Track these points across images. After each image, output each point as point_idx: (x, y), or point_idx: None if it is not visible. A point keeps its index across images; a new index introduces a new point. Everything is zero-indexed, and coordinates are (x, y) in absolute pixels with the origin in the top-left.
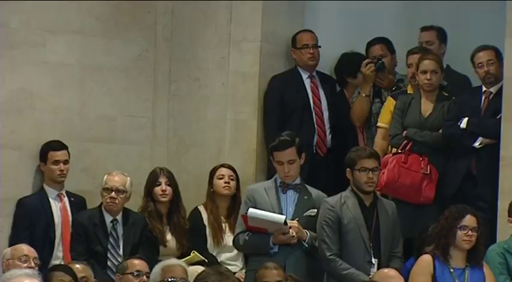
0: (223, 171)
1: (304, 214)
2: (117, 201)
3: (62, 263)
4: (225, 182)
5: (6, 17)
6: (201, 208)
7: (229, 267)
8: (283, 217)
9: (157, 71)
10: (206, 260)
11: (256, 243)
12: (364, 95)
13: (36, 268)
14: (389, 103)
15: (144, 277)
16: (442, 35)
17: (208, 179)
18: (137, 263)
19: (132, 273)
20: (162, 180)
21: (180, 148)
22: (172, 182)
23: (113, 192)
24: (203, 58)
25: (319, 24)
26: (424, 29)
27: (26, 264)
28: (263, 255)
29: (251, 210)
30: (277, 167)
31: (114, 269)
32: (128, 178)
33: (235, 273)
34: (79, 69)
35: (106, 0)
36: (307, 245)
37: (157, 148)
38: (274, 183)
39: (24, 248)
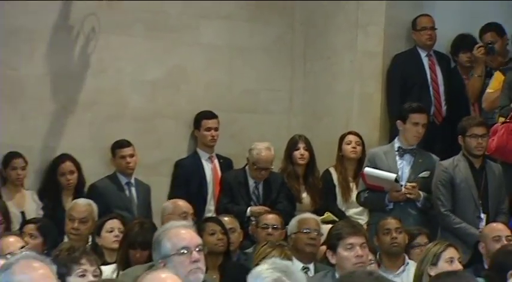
0: (351, 137)
1: (419, 176)
2: (263, 173)
3: (213, 215)
4: (352, 147)
5: (166, 4)
6: (332, 170)
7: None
8: (394, 175)
9: (294, 51)
10: (338, 220)
11: (374, 200)
12: (476, 75)
13: (192, 221)
14: (498, 76)
15: (270, 229)
16: None
17: (338, 144)
18: (268, 217)
19: (262, 226)
20: (301, 145)
21: (313, 118)
22: (308, 147)
23: (263, 171)
24: (334, 40)
25: (436, 8)
26: None
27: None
28: (383, 211)
29: (367, 168)
30: (410, 128)
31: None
32: (272, 153)
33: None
34: (227, 50)
35: None
36: (420, 205)
37: (293, 118)
38: (392, 148)
39: (183, 206)
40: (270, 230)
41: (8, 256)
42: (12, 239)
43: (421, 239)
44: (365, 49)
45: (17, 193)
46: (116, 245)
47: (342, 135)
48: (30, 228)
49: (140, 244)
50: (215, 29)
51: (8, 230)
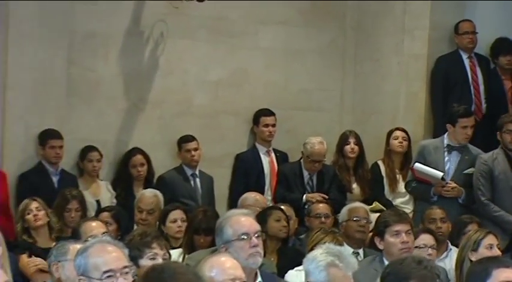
0: (398, 133)
1: (464, 172)
2: (316, 165)
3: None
4: (399, 142)
5: (228, 11)
6: (380, 163)
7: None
8: (441, 174)
9: (345, 54)
10: (385, 209)
11: (421, 191)
12: None
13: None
14: None
15: (323, 218)
16: None
17: (386, 139)
18: (319, 207)
19: (314, 215)
20: (351, 140)
21: (363, 115)
22: (358, 141)
23: (316, 164)
24: (382, 43)
25: (477, 13)
26: None
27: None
28: (428, 202)
29: (417, 164)
30: (460, 131)
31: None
32: (325, 147)
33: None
34: (284, 53)
35: None
36: (461, 201)
37: (344, 115)
38: (442, 144)
39: (261, 201)
40: (322, 219)
41: (89, 239)
42: (94, 223)
43: (472, 227)
44: (411, 52)
45: (92, 183)
46: (179, 235)
47: (389, 130)
48: (105, 215)
49: (204, 230)
50: (273, 34)
51: (84, 217)
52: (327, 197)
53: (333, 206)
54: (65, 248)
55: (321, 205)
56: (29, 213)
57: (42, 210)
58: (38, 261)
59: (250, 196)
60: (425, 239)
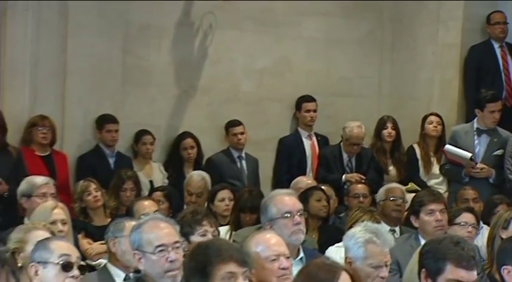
0: (432, 118)
1: (493, 154)
2: (355, 148)
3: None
4: (434, 126)
5: (272, 4)
6: (415, 146)
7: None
8: (469, 154)
9: (383, 43)
10: (420, 189)
11: (453, 173)
12: None
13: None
14: None
15: (361, 198)
16: None
17: (421, 124)
18: (358, 187)
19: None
20: (388, 125)
21: (399, 101)
22: (395, 126)
23: (355, 146)
24: (418, 33)
25: (509, 5)
26: None
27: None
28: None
29: (447, 146)
30: (488, 115)
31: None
32: (363, 130)
33: None
34: (325, 42)
35: None
36: (492, 181)
37: (382, 101)
38: (471, 128)
39: (310, 182)
40: (360, 198)
41: (142, 216)
42: (147, 202)
43: (502, 207)
44: (445, 41)
45: (146, 165)
46: (226, 213)
47: (424, 116)
48: (158, 195)
49: (250, 209)
50: (315, 25)
51: (138, 196)
52: (364, 177)
53: (370, 186)
54: (121, 224)
55: (359, 185)
56: (88, 195)
57: (99, 191)
58: (96, 248)
59: (302, 180)
60: (466, 217)
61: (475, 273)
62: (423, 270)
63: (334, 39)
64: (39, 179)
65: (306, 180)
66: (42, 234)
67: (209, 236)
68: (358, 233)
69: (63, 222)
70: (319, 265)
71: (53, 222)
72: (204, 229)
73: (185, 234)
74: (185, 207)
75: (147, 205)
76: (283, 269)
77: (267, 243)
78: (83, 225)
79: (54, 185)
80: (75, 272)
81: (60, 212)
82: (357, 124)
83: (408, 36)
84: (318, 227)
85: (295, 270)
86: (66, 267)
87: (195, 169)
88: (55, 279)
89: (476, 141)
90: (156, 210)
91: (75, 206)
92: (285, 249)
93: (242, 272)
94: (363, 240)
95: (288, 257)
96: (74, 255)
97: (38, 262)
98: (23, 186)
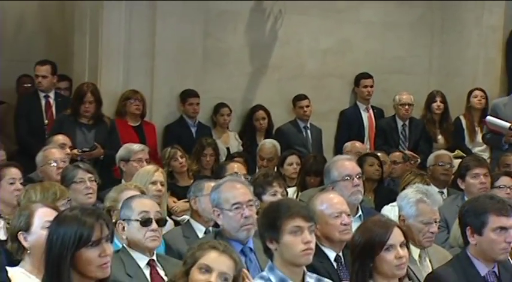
0: (477, 92)
1: None
2: (406, 108)
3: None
4: (478, 100)
5: None
6: (461, 117)
7: None
8: (508, 124)
9: (433, 26)
10: (466, 156)
11: (494, 141)
12: None
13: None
14: None
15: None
16: None
17: (467, 97)
18: (395, 155)
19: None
20: (438, 98)
21: (447, 77)
22: (443, 100)
23: (406, 106)
24: (464, 17)
25: None
26: None
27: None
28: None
29: (488, 117)
30: None
31: None
32: (410, 96)
33: None
34: (381, 25)
35: None
36: None
37: (432, 77)
38: (510, 100)
39: (360, 147)
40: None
41: (226, 176)
42: (236, 165)
43: None
44: (489, 24)
45: (223, 133)
46: (294, 176)
47: (470, 90)
48: (236, 160)
49: (314, 172)
50: (372, 10)
51: (216, 162)
52: (418, 158)
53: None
54: (201, 185)
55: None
56: (175, 160)
57: (184, 157)
58: (181, 206)
59: (350, 143)
60: (505, 180)
61: None
62: (467, 228)
63: (389, 22)
64: (136, 146)
65: (352, 144)
66: (133, 193)
67: (278, 196)
68: (410, 193)
69: (162, 184)
70: (375, 221)
71: (154, 183)
72: (274, 190)
73: (258, 194)
74: (257, 170)
75: (237, 167)
76: (345, 224)
77: (330, 202)
78: (169, 186)
79: (148, 152)
80: (154, 225)
81: (160, 175)
82: (405, 92)
83: (456, 19)
84: (373, 189)
85: (355, 226)
86: (146, 222)
87: (266, 138)
88: (138, 233)
89: None
90: (245, 173)
91: (164, 169)
92: (346, 208)
93: (308, 227)
94: (414, 200)
95: (348, 215)
96: (153, 211)
97: (123, 219)
98: (122, 152)
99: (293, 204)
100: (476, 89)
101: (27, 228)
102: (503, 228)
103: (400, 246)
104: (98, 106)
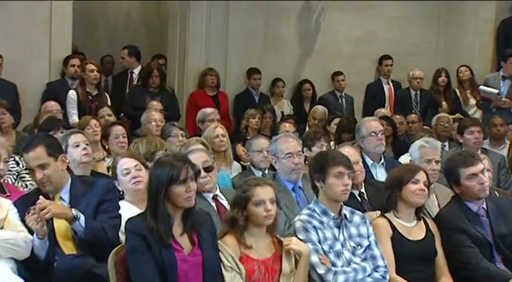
0: (462, 68)
1: None
2: (418, 81)
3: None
4: (462, 73)
5: None
6: (456, 89)
7: None
8: (496, 90)
9: (440, 19)
10: (463, 117)
11: (485, 106)
12: None
13: None
14: None
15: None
16: None
17: (456, 74)
18: (411, 117)
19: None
20: (443, 74)
21: (450, 59)
22: (447, 75)
23: (418, 79)
24: (464, 12)
25: None
26: None
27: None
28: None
29: (481, 87)
30: (510, 66)
31: None
32: (421, 72)
33: None
34: (400, 18)
35: None
36: None
37: (438, 58)
38: (498, 75)
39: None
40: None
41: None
42: (288, 124)
43: None
44: (483, 17)
45: (279, 101)
46: (333, 132)
47: (457, 68)
48: (289, 121)
49: (348, 130)
50: (393, 6)
51: (274, 123)
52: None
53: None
54: (251, 142)
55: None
56: (254, 118)
57: (256, 117)
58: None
59: (380, 110)
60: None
61: (480, 164)
62: (451, 183)
63: (406, 16)
64: (209, 110)
65: (382, 110)
66: (197, 146)
67: (324, 148)
68: (417, 142)
69: (223, 136)
70: (405, 166)
71: (216, 136)
72: (321, 143)
73: (308, 146)
74: (307, 128)
75: (289, 126)
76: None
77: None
78: (241, 137)
79: (218, 114)
80: (203, 173)
81: (219, 130)
82: (417, 69)
83: (457, 14)
84: (391, 142)
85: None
86: (206, 169)
87: (311, 105)
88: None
89: (501, 84)
90: (294, 130)
91: (242, 122)
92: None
93: (348, 173)
94: (417, 146)
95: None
96: (199, 162)
97: None
98: (199, 115)
99: (338, 154)
100: (461, 66)
101: (115, 176)
102: (473, 175)
103: (424, 183)
104: (162, 78)
